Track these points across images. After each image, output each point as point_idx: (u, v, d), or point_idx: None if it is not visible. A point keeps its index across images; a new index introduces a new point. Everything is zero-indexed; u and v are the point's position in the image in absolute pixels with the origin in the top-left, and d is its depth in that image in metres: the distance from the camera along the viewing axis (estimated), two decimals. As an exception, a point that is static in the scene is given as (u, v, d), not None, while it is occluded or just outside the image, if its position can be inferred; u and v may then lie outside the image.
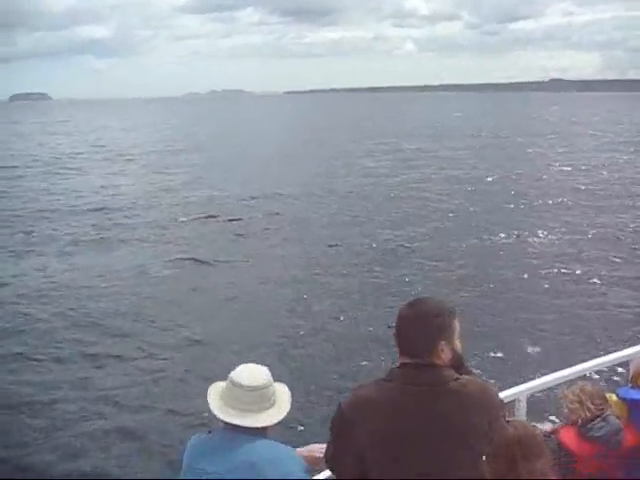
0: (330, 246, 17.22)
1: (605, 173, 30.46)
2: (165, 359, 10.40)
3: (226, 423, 2.76)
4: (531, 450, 2.93)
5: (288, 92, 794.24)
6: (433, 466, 2.48)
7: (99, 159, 39.67)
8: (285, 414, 2.83)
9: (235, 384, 2.79)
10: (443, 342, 2.53)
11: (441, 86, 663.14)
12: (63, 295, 13.42)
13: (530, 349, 10.57)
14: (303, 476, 2.71)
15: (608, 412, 3.46)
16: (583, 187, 26.42)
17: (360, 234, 18.42)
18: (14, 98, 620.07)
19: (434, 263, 15.38)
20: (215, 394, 2.86)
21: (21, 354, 10.35)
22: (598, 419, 3.43)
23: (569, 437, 3.44)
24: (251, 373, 2.83)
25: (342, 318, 12.05)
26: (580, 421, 3.45)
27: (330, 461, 2.71)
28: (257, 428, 2.74)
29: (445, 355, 2.54)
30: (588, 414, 3.44)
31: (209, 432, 2.85)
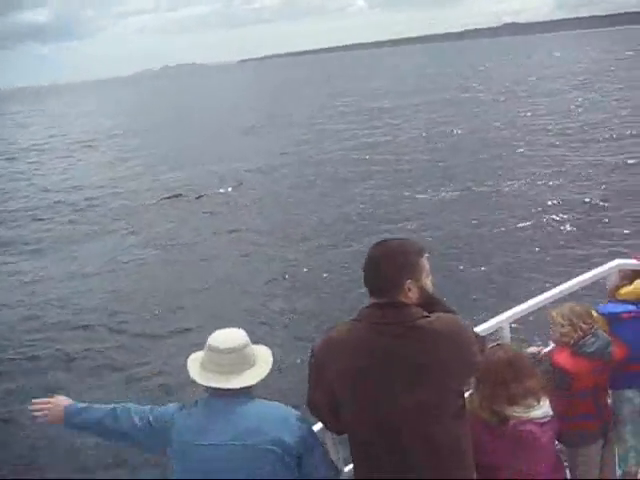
0: (299, 214, 17.32)
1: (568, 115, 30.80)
2: (148, 341, 10.52)
3: (212, 390, 2.73)
4: (522, 371, 3.06)
5: (242, 60, 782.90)
6: (397, 403, 2.48)
7: (59, 149, 38.67)
8: (267, 372, 2.80)
9: (213, 349, 2.75)
10: (409, 280, 2.54)
11: (392, 41, 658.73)
12: (36, 293, 13.29)
13: (507, 280, 11.19)
14: (305, 426, 2.70)
15: (596, 327, 3.49)
16: (548, 130, 26.73)
17: (330, 200, 18.44)
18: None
19: (405, 221, 15.64)
20: (194, 363, 2.83)
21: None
22: (589, 336, 3.45)
23: (564, 357, 3.46)
24: (227, 336, 2.80)
25: (317, 279, 12.33)
26: (572, 341, 3.47)
27: (311, 407, 2.75)
28: (242, 390, 2.71)
29: (412, 294, 2.55)
30: (581, 333, 3.46)
31: (195, 403, 2.78)
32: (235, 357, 2.74)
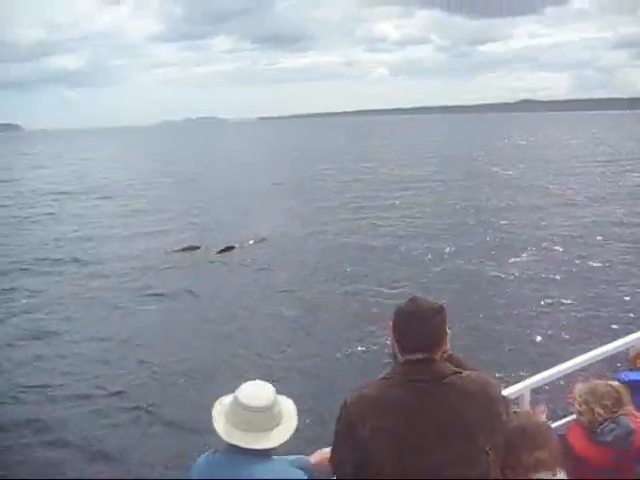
0: (312, 269, 17.47)
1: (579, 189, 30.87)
2: (164, 388, 10.23)
3: (231, 444, 2.69)
4: (535, 440, 2.90)
5: (262, 118, 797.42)
6: (435, 461, 2.48)
7: (79, 193, 38.56)
8: (292, 432, 2.77)
9: (240, 405, 2.71)
10: (445, 339, 2.64)
11: (412, 109, 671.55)
12: (43, 339, 12.93)
13: (530, 346, 10.97)
14: None
15: (620, 412, 3.32)
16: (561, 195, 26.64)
17: (345, 259, 18.52)
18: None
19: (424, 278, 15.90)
20: (220, 413, 2.79)
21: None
22: (608, 422, 3.29)
23: (577, 438, 3.35)
24: (256, 392, 2.75)
25: (333, 335, 12.20)
26: (589, 423, 3.33)
27: (336, 464, 2.70)
28: (264, 451, 2.68)
29: (445, 350, 2.64)
30: (599, 418, 3.31)
31: (214, 452, 2.78)
32: (262, 416, 2.70)
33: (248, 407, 2.70)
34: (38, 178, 49.70)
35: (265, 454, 2.70)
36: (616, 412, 3.31)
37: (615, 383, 3.51)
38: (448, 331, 2.69)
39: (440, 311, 2.62)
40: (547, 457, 2.90)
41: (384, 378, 2.63)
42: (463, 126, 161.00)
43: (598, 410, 3.30)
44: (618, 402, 3.34)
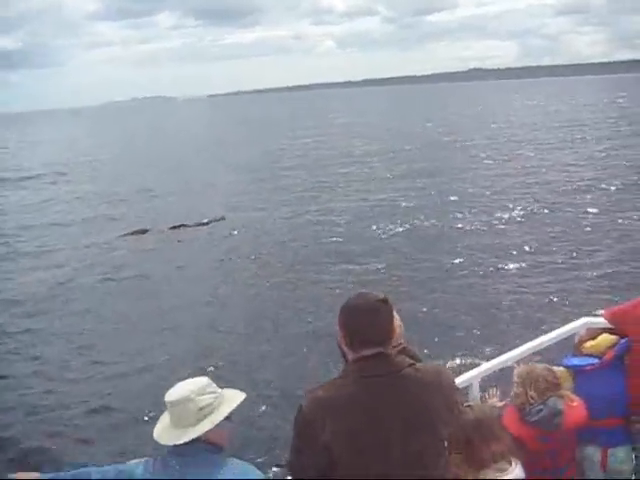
0: (275, 249, 17.30)
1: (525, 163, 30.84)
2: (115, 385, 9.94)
3: (172, 446, 2.66)
4: (491, 433, 3.00)
5: (211, 95, 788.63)
6: (401, 456, 2.44)
7: (21, 179, 37.34)
8: (219, 420, 2.68)
9: (166, 403, 2.73)
10: (397, 329, 2.70)
11: (362, 82, 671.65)
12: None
13: (477, 334, 10.77)
14: None
15: (550, 394, 3.37)
16: (504, 178, 26.72)
17: (295, 236, 18.55)
18: None
19: (368, 259, 15.68)
20: (163, 419, 2.78)
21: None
22: (537, 403, 3.35)
23: (510, 419, 3.40)
24: (177, 388, 2.74)
25: (285, 321, 12.05)
26: (521, 404, 3.40)
27: (296, 470, 2.61)
28: (197, 447, 2.63)
29: (400, 342, 2.72)
30: (531, 400, 3.36)
31: (155, 460, 2.72)
32: (183, 410, 2.66)
33: (168, 402, 2.71)
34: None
35: (205, 452, 2.64)
36: (547, 393, 3.37)
37: (559, 368, 3.62)
38: (400, 323, 2.74)
39: (386, 303, 2.54)
40: (503, 449, 2.98)
41: (338, 377, 2.56)
42: (414, 97, 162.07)
43: (531, 393, 3.37)
44: (553, 386, 3.41)
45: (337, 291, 12.80)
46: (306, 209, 22.75)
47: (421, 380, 2.50)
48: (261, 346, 10.98)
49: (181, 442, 2.62)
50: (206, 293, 13.98)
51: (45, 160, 47.83)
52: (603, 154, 31.87)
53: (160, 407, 2.83)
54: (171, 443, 2.65)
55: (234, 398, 2.80)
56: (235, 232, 19.56)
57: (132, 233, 19.91)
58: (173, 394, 2.71)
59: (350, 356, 2.55)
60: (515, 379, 3.47)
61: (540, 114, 65.11)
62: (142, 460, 2.78)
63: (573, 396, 3.46)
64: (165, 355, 10.72)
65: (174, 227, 19.95)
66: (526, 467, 3.14)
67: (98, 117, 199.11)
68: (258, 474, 2.70)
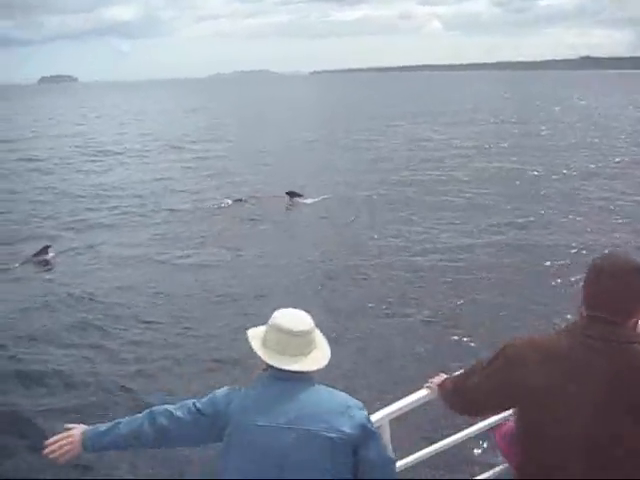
0: (355, 235, 16.75)
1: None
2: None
3: (274, 371, 2.72)
4: None
5: (314, 72, 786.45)
6: (597, 428, 2.28)
7: (130, 147, 38.80)
8: (328, 358, 2.80)
9: (283, 330, 2.73)
10: None
11: (467, 65, 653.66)
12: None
13: None
14: (364, 415, 2.70)
15: None
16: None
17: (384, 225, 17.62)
18: (42, 81, 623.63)
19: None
20: (255, 340, 2.81)
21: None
22: None
23: None
24: (296, 318, 2.80)
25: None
26: None
27: (470, 390, 2.66)
28: (306, 376, 2.72)
29: (637, 326, 2.37)
30: None
31: (254, 384, 2.79)
32: (304, 340, 2.74)
33: (291, 332, 2.73)
34: (95, 132, 50.21)
35: (306, 380, 2.73)
36: None
37: None
38: None
39: (637, 272, 2.33)
40: None
41: (560, 331, 2.50)
42: (524, 83, 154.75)
43: None
44: None
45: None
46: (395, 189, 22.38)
47: None
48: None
49: (308, 370, 2.72)
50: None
51: (156, 130, 49.49)
52: None
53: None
54: (293, 369, 2.69)
55: (324, 339, 2.91)
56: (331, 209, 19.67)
57: (234, 201, 20.73)
58: (300, 323, 2.77)
59: (583, 314, 2.44)
60: None
61: None
62: (224, 388, 2.83)
63: None
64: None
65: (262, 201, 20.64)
66: None
67: (205, 88, 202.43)
68: (356, 401, 2.76)
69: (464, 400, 2.78)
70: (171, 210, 20.52)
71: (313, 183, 23.32)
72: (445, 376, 3.06)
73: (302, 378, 2.71)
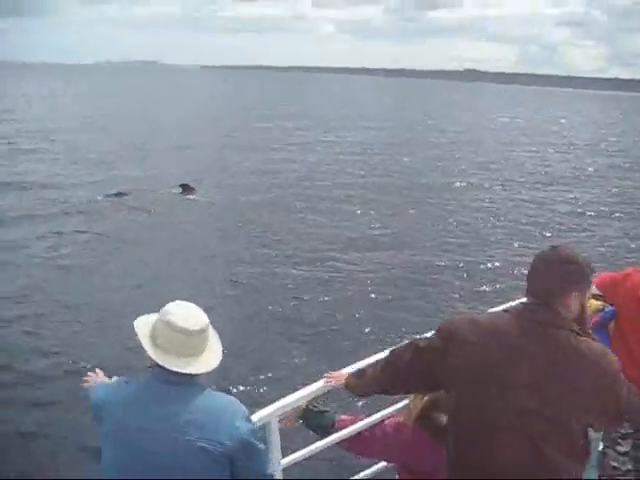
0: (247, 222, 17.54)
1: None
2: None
3: (159, 370, 2.52)
4: None
5: (205, 66, 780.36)
6: (529, 405, 2.37)
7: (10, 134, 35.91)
8: (219, 359, 2.63)
9: (175, 328, 2.51)
10: (576, 292, 2.50)
11: (358, 69, 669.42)
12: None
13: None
14: (247, 428, 2.53)
15: None
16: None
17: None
18: None
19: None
20: (144, 334, 2.58)
21: None
22: None
23: None
24: (189, 314, 2.56)
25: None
26: None
27: (397, 355, 2.77)
28: (194, 377, 2.54)
29: (574, 307, 2.50)
30: None
31: (131, 380, 2.63)
32: (198, 340, 2.55)
33: (187, 330, 2.52)
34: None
35: (190, 382, 2.54)
36: None
37: None
38: (588, 296, 2.65)
39: (570, 262, 2.51)
40: None
41: (499, 311, 2.71)
42: (411, 91, 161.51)
43: None
44: None
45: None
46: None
47: (575, 347, 2.40)
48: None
49: (199, 372, 2.54)
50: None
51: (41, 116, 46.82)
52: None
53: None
54: (185, 372, 2.51)
55: (216, 336, 2.71)
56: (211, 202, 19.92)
57: (115, 195, 20.10)
58: (195, 320, 2.57)
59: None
60: None
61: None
62: (122, 378, 2.73)
63: None
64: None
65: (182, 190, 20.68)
66: None
67: (90, 75, 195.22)
68: (245, 409, 2.62)
69: (395, 377, 2.78)
70: (48, 204, 19.36)
71: (201, 180, 23.18)
72: (346, 371, 3.14)
73: (189, 380, 2.53)
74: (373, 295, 12.16)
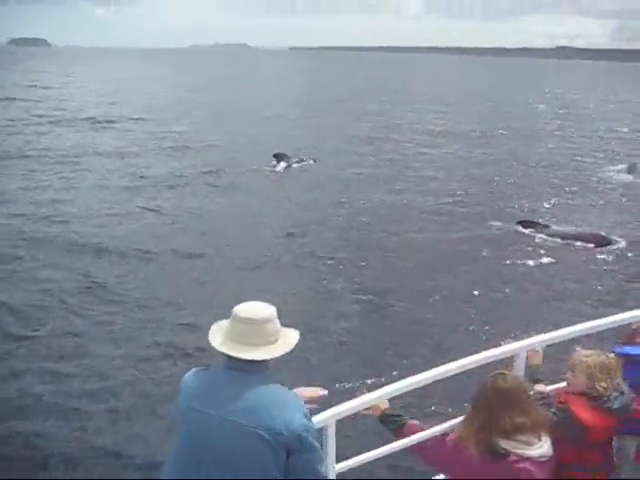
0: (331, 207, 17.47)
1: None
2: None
3: (227, 359, 2.72)
4: (516, 405, 2.96)
5: (293, 48, 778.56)
6: None
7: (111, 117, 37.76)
8: (284, 352, 2.77)
9: (237, 318, 2.74)
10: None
11: (447, 49, 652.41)
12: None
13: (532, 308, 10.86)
14: (303, 422, 2.64)
15: (619, 382, 3.41)
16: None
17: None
18: (13, 42, 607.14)
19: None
20: (218, 331, 2.81)
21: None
22: (613, 391, 3.36)
23: (583, 409, 3.34)
24: (253, 307, 2.79)
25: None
26: (594, 393, 3.36)
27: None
28: (258, 367, 2.69)
29: None
30: (601, 390, 3.35)
31: (205, 369, 2.83)
32: (255, 329, 2.71)
33: (244, 318, 2.72)
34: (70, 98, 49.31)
35: (260, 373, 2.71)
36: (617, 382, 3.40)
37: (609, 355, 3.59)
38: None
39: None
40: (527, 422, 2.95)
41: None
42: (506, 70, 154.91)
43: (603, 385, 3.37)
44: (617, 372, 3.43)
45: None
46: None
47: None
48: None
49: (247, 358, 2.68)
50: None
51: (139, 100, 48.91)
52: None
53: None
54: (235, 355, 2.69)
55: (293, 335, 2.89)
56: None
57: (209, 172, 21.16)
58: (253, 311, 2.77)
59: None
60: (580, 366, 3.44)
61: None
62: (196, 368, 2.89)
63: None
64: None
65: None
66: (570, 461, 3.31)
67: (181, 59, 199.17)
68: (304, 406, 2.74)
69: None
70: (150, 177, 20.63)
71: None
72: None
73: (254, 370, 2.70)
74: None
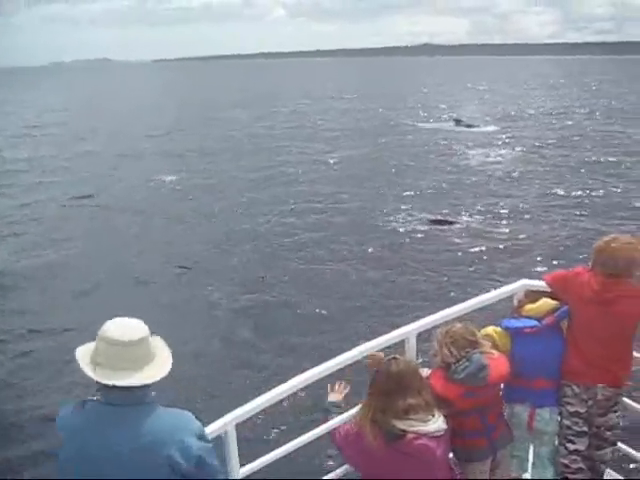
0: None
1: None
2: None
3: (105, 390, 2.39)
4: (407, 387, 3.02)
5: (157, 60, 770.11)
6: None
7: None
8: (169, 367, 2.50)
9: (111, 342, 2.40)
10: None
11: (314, 52, 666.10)
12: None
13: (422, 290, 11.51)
14: (199, 446, 2.45)
15: (476, 351, 3.41)
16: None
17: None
18: None
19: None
20: (85, 357, 2.46)
21: None
22: (462, 360, 3.37)
23: (436, 380, 3.38)
24: (125, 327, 2.46)
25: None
26: (444, 364, 3.42)
27: None
28: (139, 393, 2.40)
29: None
30: (451, 359, 3.39)
31: (82, 405, 2.46)
32: (137, 351, 2.43)
33: (120, 342, 2.40)
34: None
35: (140, 400, 2.42)
36: (470, 351, 3.39)
37: (497, 328, 3.73)
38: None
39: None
40: (420, 402, 3.01)
41: None
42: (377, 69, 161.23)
43: (451, 350, 3.40)
44: (472, 343, 3.43)
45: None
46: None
47: None
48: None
49: (145, 383, 2.42)
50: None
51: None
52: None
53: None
54: (125, 384, 2.38)
55: (164, 347, 2.59)
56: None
57: (78, 198, 20.52)
58: (130, 332, 2.45)
59: None
60: (436, 339, 3.50)
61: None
62: (71, 405, 2.53)
63: (493, 350, 3.52)
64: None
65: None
66: (456, 428, 3.31)
67: (42, 78, 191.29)
68: (199, 424, 2.53)
69: None
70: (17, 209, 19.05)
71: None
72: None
73: (136, 400, 2.42)
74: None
